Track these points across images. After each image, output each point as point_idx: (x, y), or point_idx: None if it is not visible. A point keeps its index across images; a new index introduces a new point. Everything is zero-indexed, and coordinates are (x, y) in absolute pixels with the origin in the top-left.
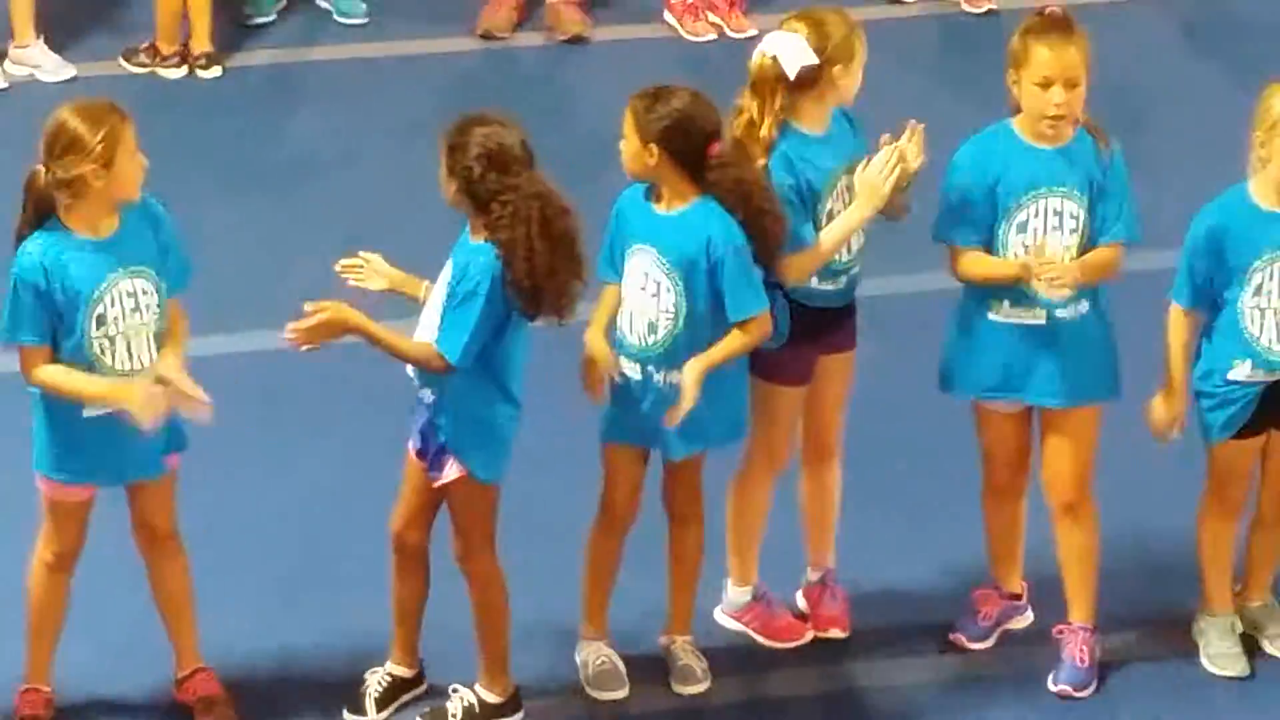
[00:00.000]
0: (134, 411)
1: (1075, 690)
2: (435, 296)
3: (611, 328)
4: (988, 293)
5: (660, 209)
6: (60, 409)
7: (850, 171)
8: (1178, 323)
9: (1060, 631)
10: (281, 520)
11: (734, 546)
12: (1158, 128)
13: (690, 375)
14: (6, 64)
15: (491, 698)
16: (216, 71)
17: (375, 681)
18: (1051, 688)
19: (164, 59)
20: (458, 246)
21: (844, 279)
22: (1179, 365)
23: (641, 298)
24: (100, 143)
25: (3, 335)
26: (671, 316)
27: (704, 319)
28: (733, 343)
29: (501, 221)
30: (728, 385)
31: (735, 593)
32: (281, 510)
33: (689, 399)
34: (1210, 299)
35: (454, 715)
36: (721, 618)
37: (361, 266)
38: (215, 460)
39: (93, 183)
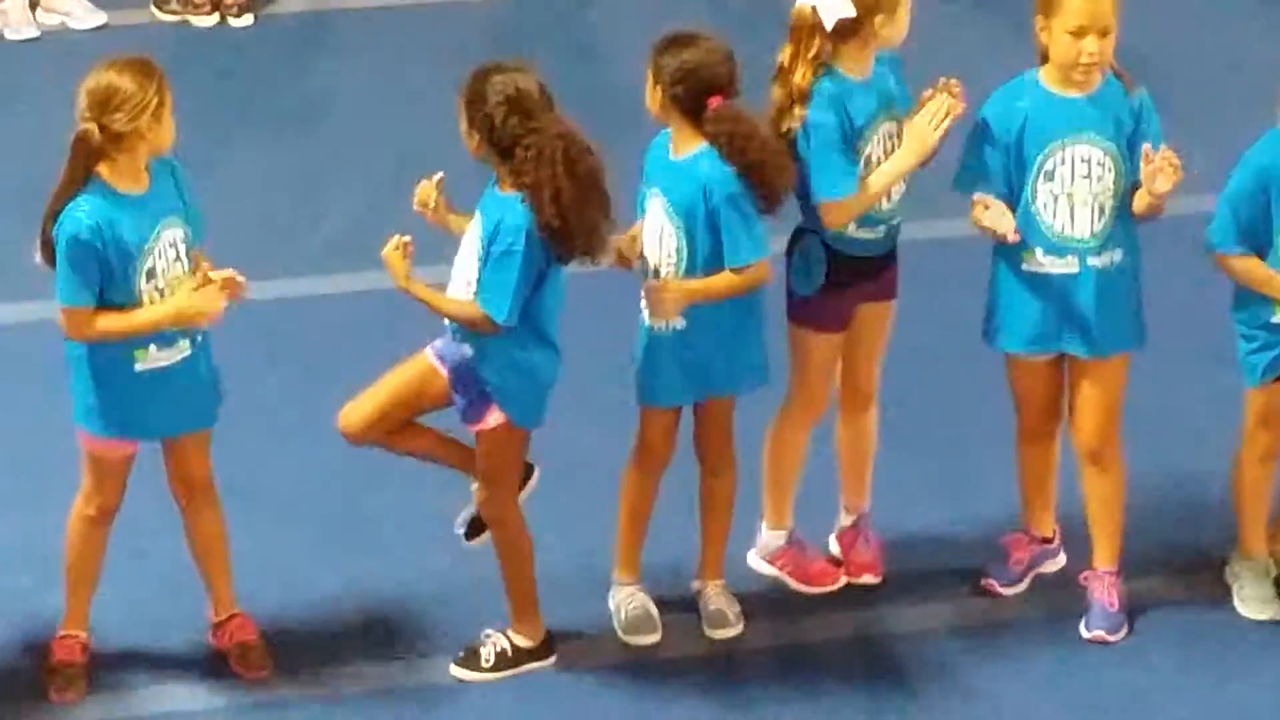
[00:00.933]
0: (199, 309)
1: (1109, 634)
2: (466, 248)
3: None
4: (1019, 244)
5: (672, 155)
6: (111, 364)
7: (892, 118)
8: (1242, 264)
9: (1086, 577)
10: (317, 470)
11: (770, 491)
12: (1183, 74)
13: (672, 289)
14: (39, 11)
15: (523, 641)
16: (248, 20)
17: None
18: (1085, 634)
19: (196, 6)
20: (485, 199)
21: (883, 228)
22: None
23: (651, 241)
24: (155, 95)
25: (64, 298)
26: (674, 261)
27: (705, 265)
28: (719, 281)
29: (526, 165)
30: (743, 333)
31: (769, 536)
32: (317, 460)
33: (665, 306)
34: (1254, 242)
35: (486, 659)
36: (755, 561)
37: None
38: (252, 409)
39: (146, 135)
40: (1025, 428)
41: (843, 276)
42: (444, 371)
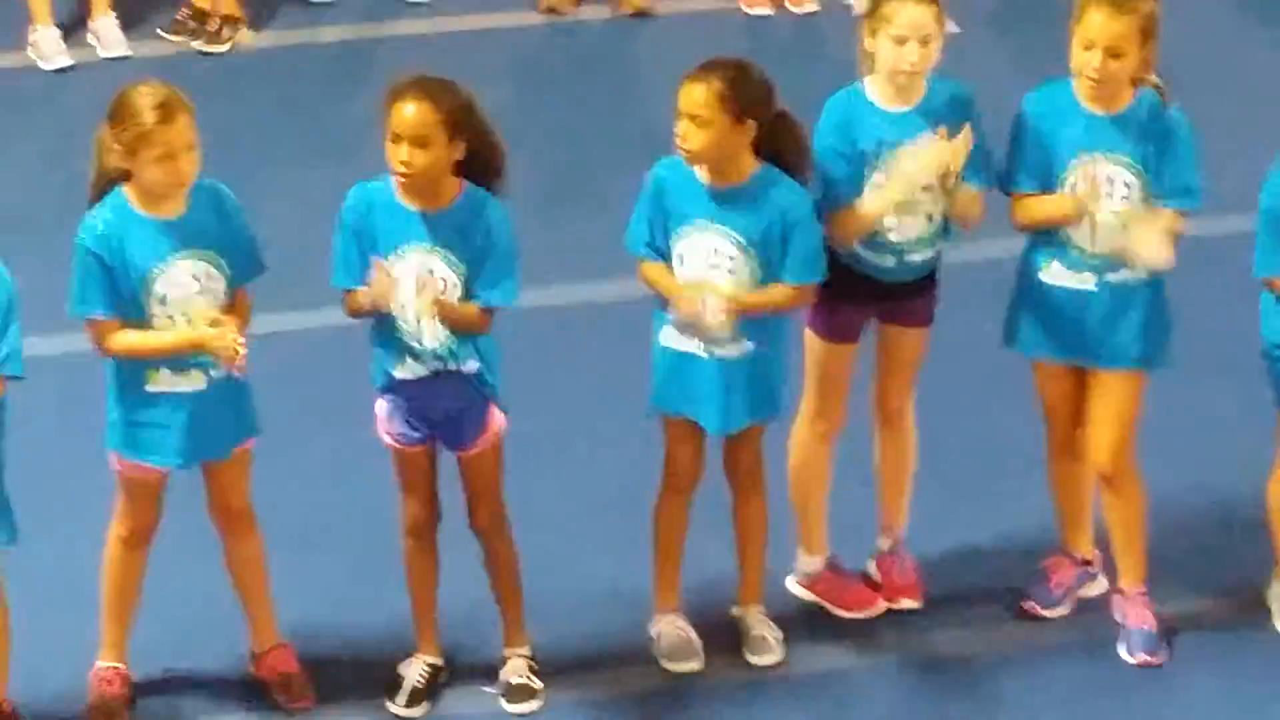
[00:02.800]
0: (214, 347)
1: (1153, 657)
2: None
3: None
4: (1039, 255)
5: (719, 183)
6: (126, 384)
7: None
8: None
9: (1117, 600)
10: (352, 496)
11: (800, 514)
12: (1218, 90)
13: (730, 301)
14: (88, 35)
15: (528, 651)
16: (249, 38)
17: (415, 674)
18: (1129, 659)
19: (202, 21)
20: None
21: (891, 258)
22: None
23: (712, 276)
24: (154, 124)
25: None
26: (746, 291)
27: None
28: (775, 293)
29: (497, 156)
30: (767, 363)
31: (805, 562)
32: (352, 487)
33: (723, 319)
34: None
35: (530, 681)
36: (794, 587)
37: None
38: (288, 437)
39: (148, 168)
40: (1054, 441)
41: (849, 290)
42: (416, 437)
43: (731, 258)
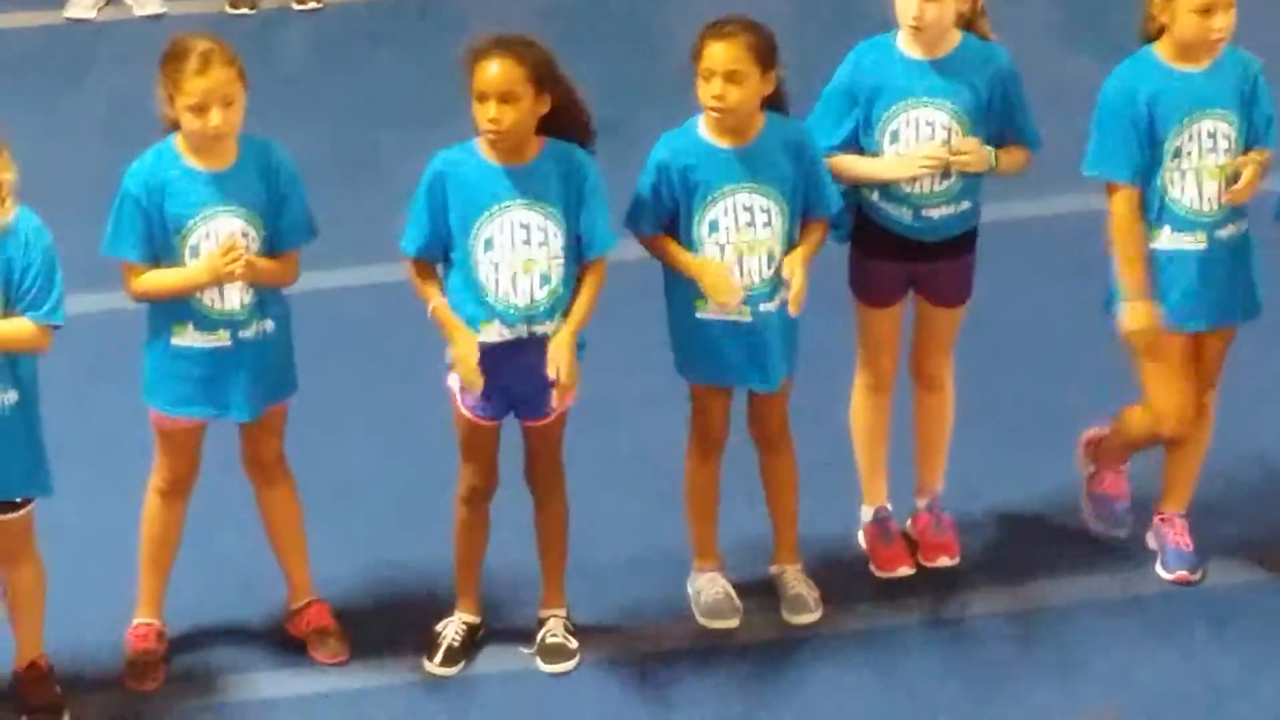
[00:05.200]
0: (216, 269)
1: (1190, 574)
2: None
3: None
4: (1149, 221)
5: (737, 142)
6: (160, 340)
7: (913, 107)
8: None
9: (1158, 522)
10: (391, 454)
11: (859, 464)
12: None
13: (800, 266)
14: None
15: (565, 612)
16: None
17: (452, 633)
18: (1165, 575)
19: None
20: (544, 158)
21: (908, 211)
22: None
23: (749, 235)
24: (192, 75)
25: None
26: (784, 241)
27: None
28: (815, 237)
29: (582, 109)
30: (791, 321)
31: (863, 511)
32: (392, 445)
33: (802, 285)
34: None
35: (566, 641)
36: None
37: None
38: (328, 395)
39: (183, 116)
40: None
41: (876, 246)
42: (493, 412)
43: (765, 210)
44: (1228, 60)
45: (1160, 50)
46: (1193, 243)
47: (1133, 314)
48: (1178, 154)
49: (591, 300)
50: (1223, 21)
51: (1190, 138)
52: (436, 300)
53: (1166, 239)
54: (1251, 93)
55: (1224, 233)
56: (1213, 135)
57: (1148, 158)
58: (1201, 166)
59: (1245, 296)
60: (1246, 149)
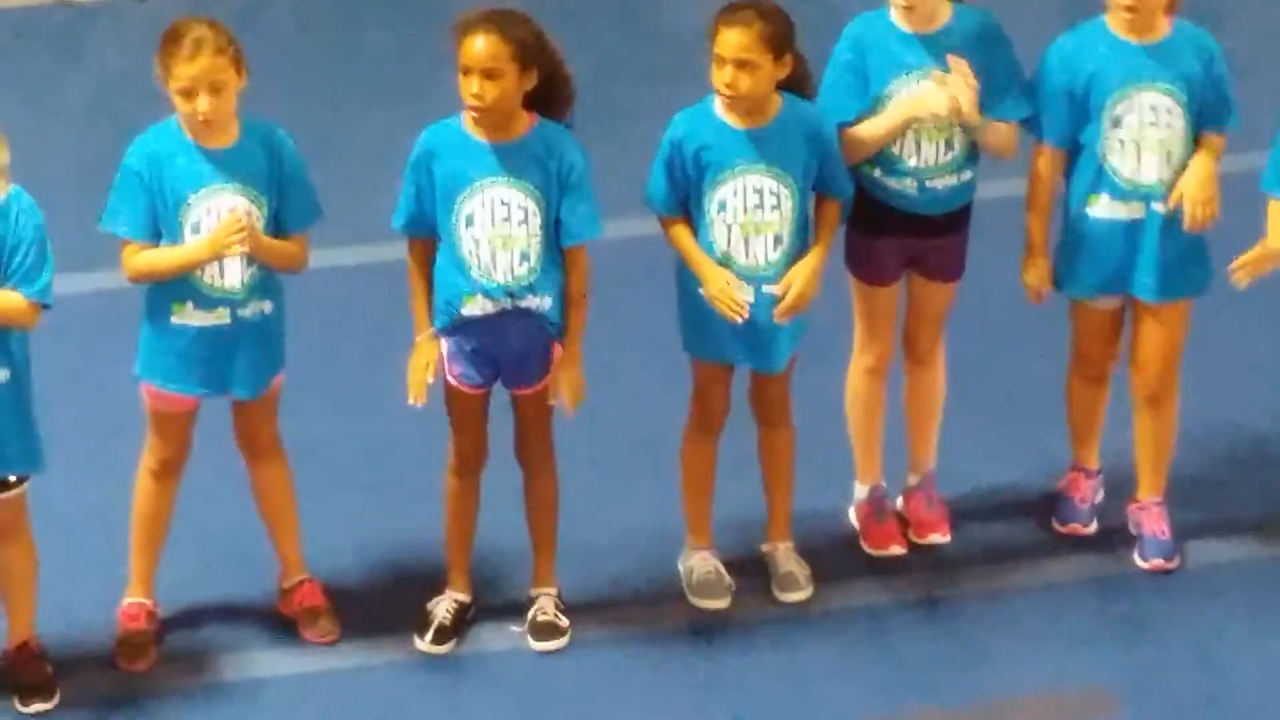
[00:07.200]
0: (217, 243)
1: (1167, 562)
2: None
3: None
4: (1085, 189)
5: (752, 124)
6: (158, 316)
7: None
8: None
9: (1134, 510)
10: (383, 433)
11: (854, 442)
12: (1243, 25)
13: (801, 277)
14: None
15: (556, 591)
16: None
17: (443, 611)
18: (1142, 564)
19: None
20: (531, 139)
21: (912, 183)
22: None
23: (757, 217)
24: (184, 56)
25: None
26: (792, 224)
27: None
28: (835, 218)
29: (567, 90)
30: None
31: (856, 488)
32: (384, 423)
33: (797, 295)
34: None
35: (556, 619)
36: (851, 515)
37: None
38: (320, 372)
39: (175, 98)
40: (1082, 371)
41: (876, 223)
42: (480, 380)
43: (774, 193)
44: (1180, 37)
45: (1110, 20)
46: (1128, 213)
47: (1034, 269)
48: (1117, 123)
49: (582, 305)
50: None
51: (1130, 108)
52: (421, 335)
53: (1104, 207)
54: (1205, 73)
55: (1162, 206)
56: (1155, 109)
57: (1077, 124)
58: (1142, 138)
59: (1192, 272)
60: (1197, 128)
